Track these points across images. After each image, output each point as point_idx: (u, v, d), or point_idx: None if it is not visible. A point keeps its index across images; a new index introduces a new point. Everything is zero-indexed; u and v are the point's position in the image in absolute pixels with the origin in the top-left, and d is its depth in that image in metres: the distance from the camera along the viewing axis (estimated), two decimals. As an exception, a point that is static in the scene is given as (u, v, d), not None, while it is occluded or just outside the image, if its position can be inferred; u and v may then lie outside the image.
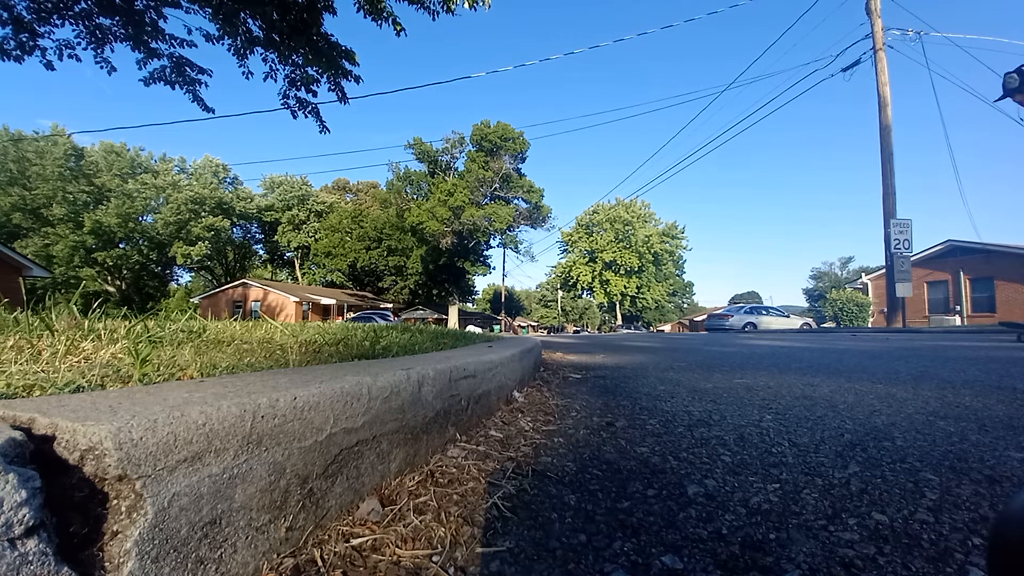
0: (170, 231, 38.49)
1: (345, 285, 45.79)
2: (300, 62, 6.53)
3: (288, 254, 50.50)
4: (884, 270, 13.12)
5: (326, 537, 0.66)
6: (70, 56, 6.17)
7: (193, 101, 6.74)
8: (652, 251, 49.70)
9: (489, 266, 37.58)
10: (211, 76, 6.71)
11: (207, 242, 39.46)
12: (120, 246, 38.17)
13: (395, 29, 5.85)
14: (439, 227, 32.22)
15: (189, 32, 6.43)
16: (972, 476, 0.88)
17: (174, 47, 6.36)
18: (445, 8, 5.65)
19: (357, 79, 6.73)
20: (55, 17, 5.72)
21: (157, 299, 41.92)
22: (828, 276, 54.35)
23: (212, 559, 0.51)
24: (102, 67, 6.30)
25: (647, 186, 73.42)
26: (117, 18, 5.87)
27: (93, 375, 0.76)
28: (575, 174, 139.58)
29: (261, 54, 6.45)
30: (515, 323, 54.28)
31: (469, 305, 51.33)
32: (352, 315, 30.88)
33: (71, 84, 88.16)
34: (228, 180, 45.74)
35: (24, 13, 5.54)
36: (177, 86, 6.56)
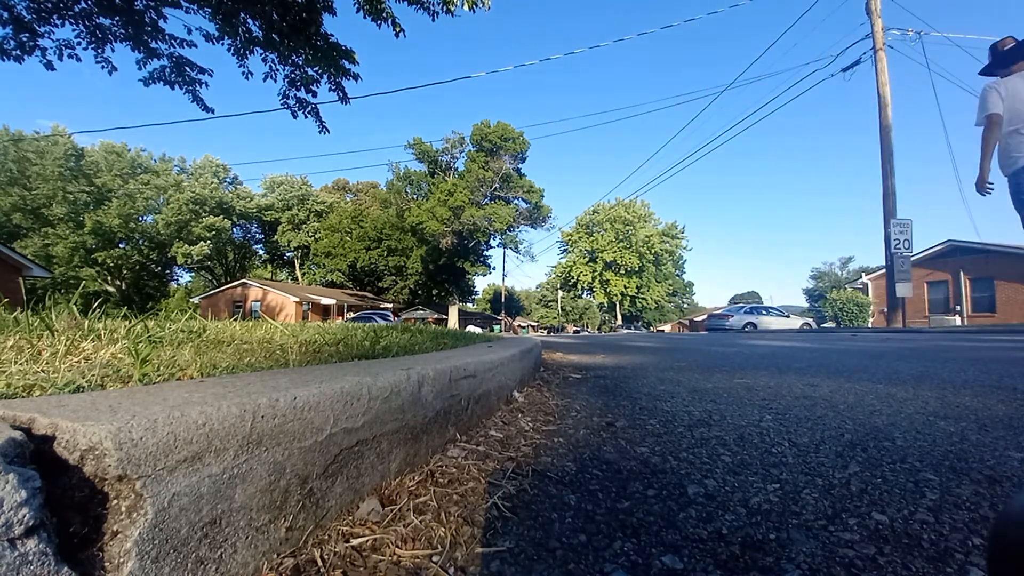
0: (171, 231, 38.48)
1: (345, 285, 45.76)
2: (300, 62, 6.53)
3: (288, 254, 50.47)
4: (884, 270, 13.11)
5: (326, 537, 0.66)
6: (70, 56, 6.17)
7: (193, 101, 6.74)
8: (652, 251, 49.64)
9: (489, 266, 37.56)
10: (211, 76, 6.71)
11: (208, 242, 39.48)
12: (120, 246, 38.17)
13: (394, 30, 5.85)
14: (439, 227, 32.20)
15: (189, 32, 6.43)
16: (972, 476, 0.88)
17: (174, 47, 6.36)
18: (444, 9, 5.65)
19: (356, 77, 6.73)
20: (55, 17, 5.72)
21: (157, 299, 41.90)
22: (828, 276, 54.28)
23: (212, 559, 0.51)
24: (102, 67, 6.30)
25: (647, 186, 73.50)
26: (117, 18, 5.87)
27: (93, 375, 0.76)
28: (575, 174, 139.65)
29: (261, 54, 6.45)
30: (515, 323, 54.23)
31: (469, 305, 51.29)
32: (352, 315, 30.86)
33: (71, 84, 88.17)
34: (228, 180, 45.74)
35: (24, 13, 5.53)
36: (177, 86, 6.56)
